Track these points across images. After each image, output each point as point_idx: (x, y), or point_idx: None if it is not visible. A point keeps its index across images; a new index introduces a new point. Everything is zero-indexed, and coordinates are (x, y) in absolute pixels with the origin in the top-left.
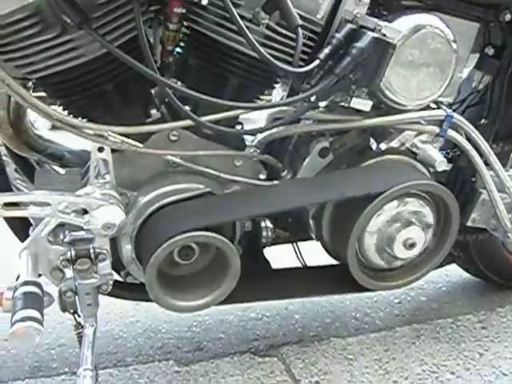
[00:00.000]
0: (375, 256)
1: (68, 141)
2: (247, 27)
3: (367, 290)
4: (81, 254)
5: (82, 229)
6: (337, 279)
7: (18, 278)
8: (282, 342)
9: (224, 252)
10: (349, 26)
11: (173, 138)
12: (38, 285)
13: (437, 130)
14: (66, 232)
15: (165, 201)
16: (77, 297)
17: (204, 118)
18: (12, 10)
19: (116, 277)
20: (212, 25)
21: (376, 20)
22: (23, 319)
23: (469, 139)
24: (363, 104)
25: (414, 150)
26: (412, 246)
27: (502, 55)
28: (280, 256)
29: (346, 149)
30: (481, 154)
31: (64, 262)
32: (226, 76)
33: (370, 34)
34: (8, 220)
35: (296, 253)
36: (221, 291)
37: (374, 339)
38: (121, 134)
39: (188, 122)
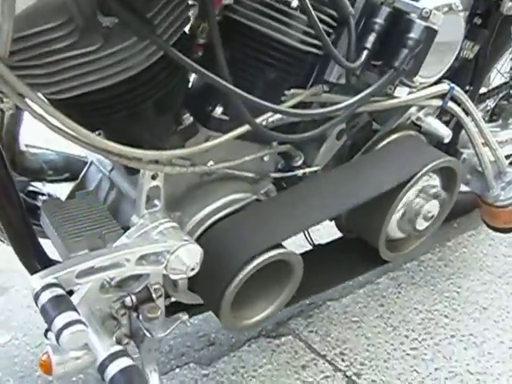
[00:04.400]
0: (395, 230)
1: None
2: (289, 13)
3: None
4: (143, 297)
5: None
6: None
7: None
8: (286, 317)
9: (290, 263)
10: (386, 9)
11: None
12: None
13: (440, 102)
14: None
15: (215, 217)
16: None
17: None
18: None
19: None
20: (254, 14)
21: (416, 4)
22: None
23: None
24: (402, 91)
25: (418, 123)
26: (432, 217)
27: (487, 24)
28: None
29: (357, 129)
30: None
31: (121, 310)
32: (261, 70)
33: (422, 23)
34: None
35: (305, 234)
36: (283, 298)
37: (364, 295)
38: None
39: (244, 129)
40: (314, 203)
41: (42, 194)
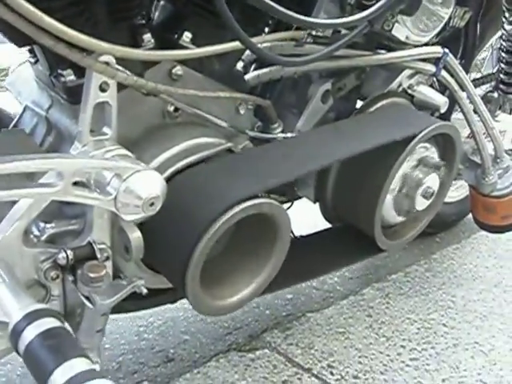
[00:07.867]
0: (392, 213)
1: None
2: None
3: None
4: (82, 255)
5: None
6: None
7: None
8: (260, 330)
9: (275, 221)
10: None
11: (178, 72)
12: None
13: (433, 69)
14: (41, 224)
15: (179, 164)
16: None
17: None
18: None
19: None
20: None
21: None
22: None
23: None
24: (400, 32)
25: (410, 91)
26: (432, 195)
27: None
28: None
29: (344, 92)
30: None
31: (51, 272)
32: None
33: None
34: None
35: None
36: (266, 274)
37: (349, 306)
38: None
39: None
40: (300, 155)
41: None
